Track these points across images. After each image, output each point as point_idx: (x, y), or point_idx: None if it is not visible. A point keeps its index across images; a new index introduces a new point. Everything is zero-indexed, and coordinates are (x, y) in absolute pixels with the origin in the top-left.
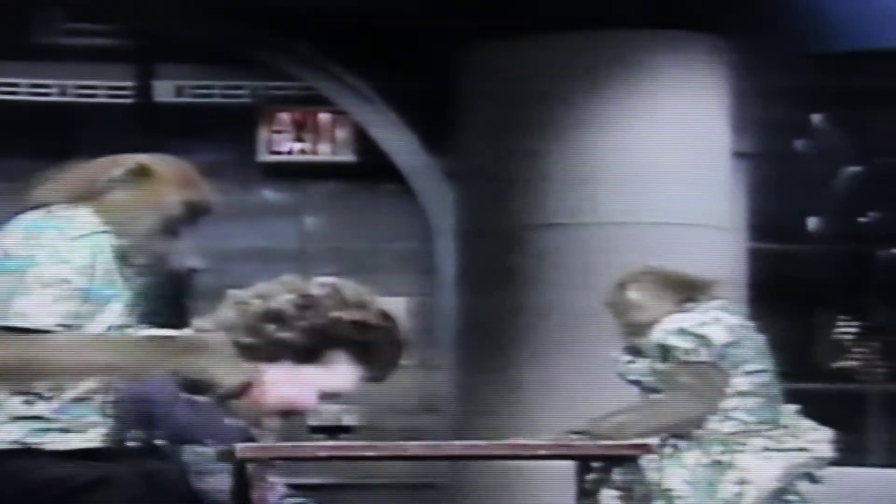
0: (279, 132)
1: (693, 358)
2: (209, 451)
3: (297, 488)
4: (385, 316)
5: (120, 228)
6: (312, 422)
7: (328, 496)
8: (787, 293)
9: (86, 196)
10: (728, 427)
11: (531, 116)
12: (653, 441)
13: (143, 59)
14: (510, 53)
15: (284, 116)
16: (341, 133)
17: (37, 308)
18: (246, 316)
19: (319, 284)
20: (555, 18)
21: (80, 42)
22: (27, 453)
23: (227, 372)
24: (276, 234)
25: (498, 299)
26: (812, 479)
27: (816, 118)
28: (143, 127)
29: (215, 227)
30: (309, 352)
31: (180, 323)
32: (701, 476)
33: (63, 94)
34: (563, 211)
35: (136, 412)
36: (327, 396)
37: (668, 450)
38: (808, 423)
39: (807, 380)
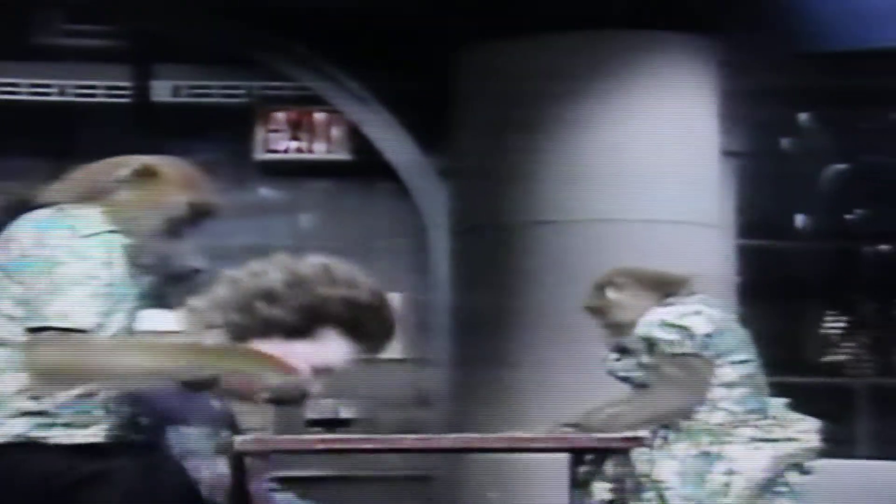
0: (275, 131)
1: (677, 349)
2: (193, 433)
3: (295, 481)
4: (375, 293)
5: (126, 228)
6: (310, 415)
7: (325, 488)
8: (775, 289)
9: (92, 196)
10: (716, 418)
11: (523, 115)
12: (644, 433)
13: (142, 60)
14: (504, 53)
15: (280, 116)
16: (336, 132)
17: (75, 307)
18: (238, 294)
19: (311, 263)
20: (548, 19)
21: (80, 42)
22: (31, 447)
23: (275, 376)
24: (272, 231)
25: (492, 296)
26: (802, 470)
27: (804, 117)
28: (141, 126)
29: (212, 224)
30: (300, 329)
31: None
32: (690, 467)
33: (63, 94)
34: (555, 208)
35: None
36: (320, 372)
37: (658, 441)
38: (795, 415)
39: (796, 374)
